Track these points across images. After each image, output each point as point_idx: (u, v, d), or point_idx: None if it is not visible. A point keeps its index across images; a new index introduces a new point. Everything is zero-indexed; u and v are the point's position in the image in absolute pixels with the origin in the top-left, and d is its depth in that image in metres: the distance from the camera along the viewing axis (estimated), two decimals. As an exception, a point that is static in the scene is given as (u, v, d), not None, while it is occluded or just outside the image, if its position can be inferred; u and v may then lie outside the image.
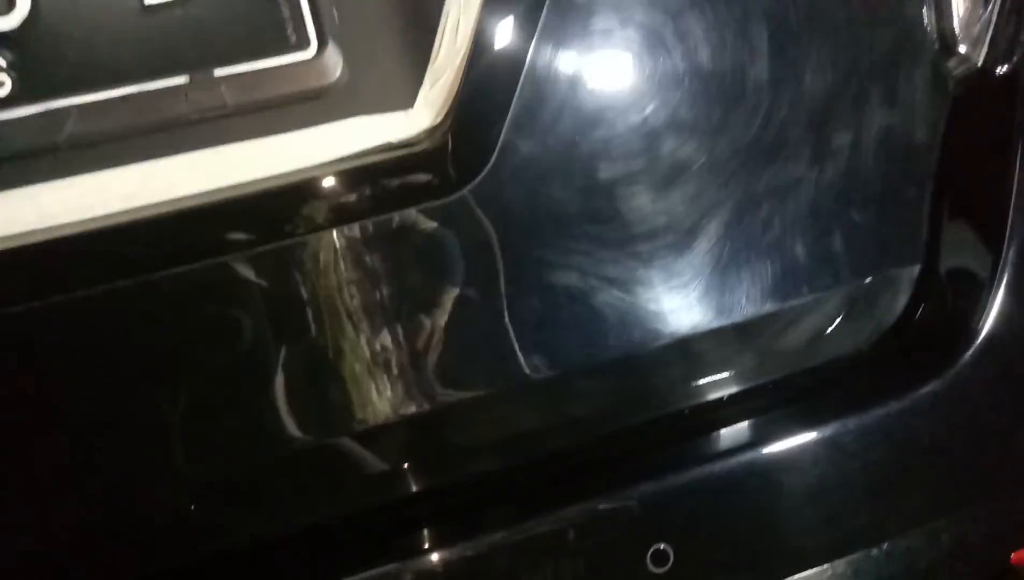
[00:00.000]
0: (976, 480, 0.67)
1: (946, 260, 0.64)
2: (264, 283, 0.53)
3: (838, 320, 0.64)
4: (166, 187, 0.52)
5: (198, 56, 0.52)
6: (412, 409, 0.57)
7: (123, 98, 0.51)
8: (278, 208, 0.53)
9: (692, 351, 0.60)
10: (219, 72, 0.52)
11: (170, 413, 0.53)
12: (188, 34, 0.52)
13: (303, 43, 0.53)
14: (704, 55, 0.58)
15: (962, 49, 0.66)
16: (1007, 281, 0.62)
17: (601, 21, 0.56)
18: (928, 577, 0.67)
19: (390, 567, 0.57)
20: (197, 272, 0.53)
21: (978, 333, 0.62)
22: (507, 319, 0.56)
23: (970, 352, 0.61)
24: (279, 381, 0.54)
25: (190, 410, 0.53)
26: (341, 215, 0.54)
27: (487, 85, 0.54)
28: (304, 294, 0.54)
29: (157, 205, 0.52)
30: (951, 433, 0.62)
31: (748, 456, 0.61)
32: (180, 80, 0.52)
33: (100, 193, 0.51)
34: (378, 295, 0.55)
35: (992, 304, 0.61)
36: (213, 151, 0.53)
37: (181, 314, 0.53)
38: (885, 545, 0.66)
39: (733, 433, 0.62)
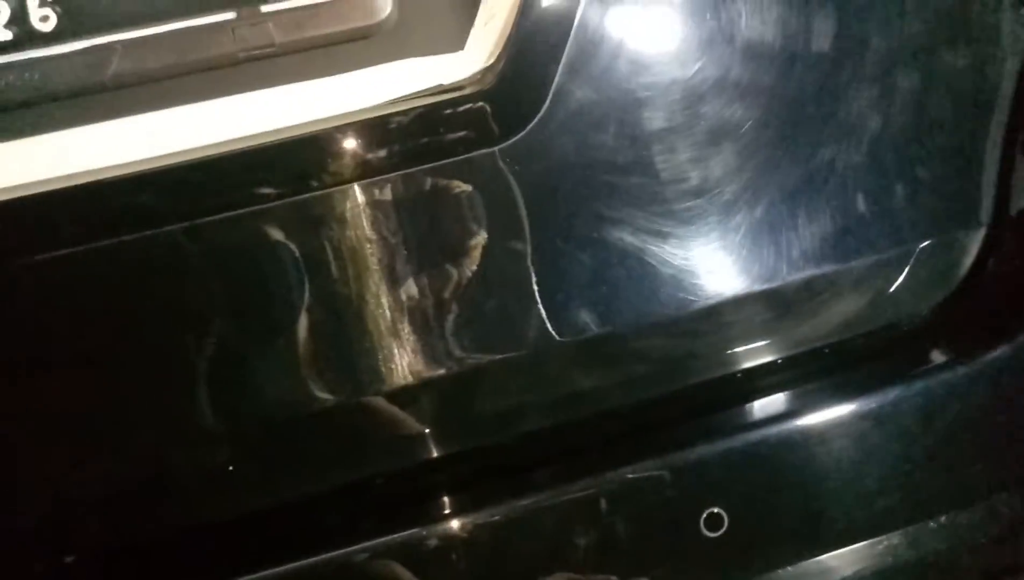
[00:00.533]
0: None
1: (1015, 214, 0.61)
2: (309, 232, 0.51)
3: (900, 280, 0.61)
4: (211, 130, 0.51)
5: (246, -8, 0.50)
6: (454, 368, 0.55)
7: (169, 34, 0.50)
8: (325, 153, 0.52)
9: (747, 310, 0.58)
10: (267, 8, 0.50)
11: (206, 364, 0.52)
12: (235, -31, 0.51)
13: (352, -21, 0.51)
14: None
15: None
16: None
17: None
18: (987, 552, 0.64)
19: (418, 531, 0.55)
20: (240, 219, 0.51)
21: None
22: (556, 271, 0.54)
23: None
24: (310, 335, 0.52)
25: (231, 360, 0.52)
26: (390, 161, 0.52)
27: (540, 26, 0.52)
28: (351, 242, 0.52)
29: (202, 148, 0.50)
30: (1019, 400, 0.59)
31: (804, 422, 0.58)
32: (227, 16, 0.50)
33: (146, 135, 0.50)
34: (428, 244, 0.53)
35: None
36: (260, 93, 0.51)
37: (229, 260, 0.52)
38: (943, 518, 0.64)
39: (788, 398, 0.60)
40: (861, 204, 0.59)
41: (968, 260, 0.61)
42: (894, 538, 0.63)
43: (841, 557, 0.60)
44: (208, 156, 0.50)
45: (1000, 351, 0.57)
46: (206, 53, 0.50)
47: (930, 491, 0.62)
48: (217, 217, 0.51)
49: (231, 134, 0.51)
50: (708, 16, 0.55)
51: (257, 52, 0.51)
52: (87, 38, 0.49)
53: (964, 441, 0.61)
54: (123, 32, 0.49)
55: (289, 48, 0.51)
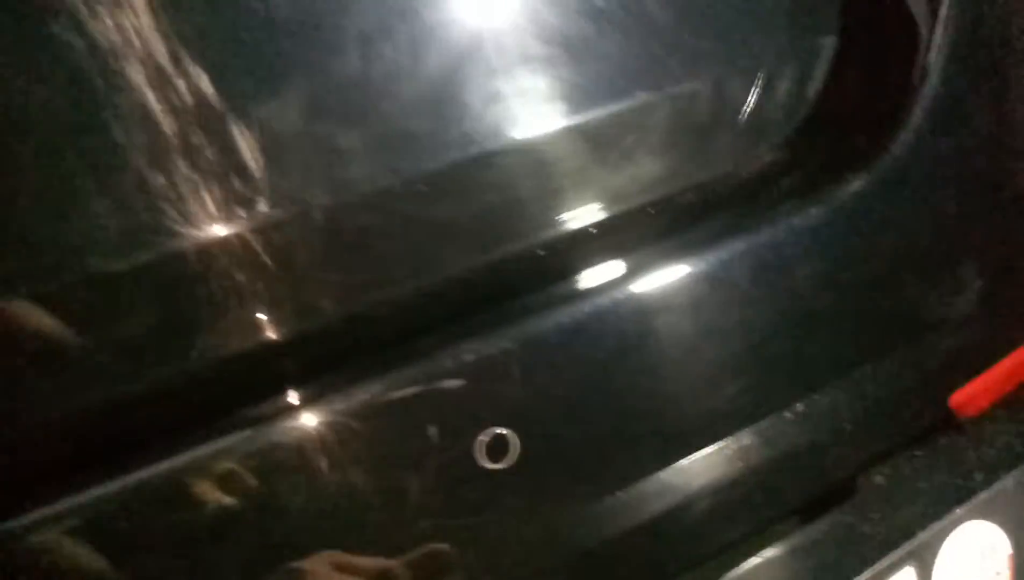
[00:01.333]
0: (907, 314, 0.52)
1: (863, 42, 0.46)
2: None
3: (745, 110, 0.46)
4: None
5: None
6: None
7: None
8: None
9: (543, 157, 0.41)
10: None
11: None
12: None
13: None
14: None
15: None
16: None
17: None
18: (853, 437, 0.52)
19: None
20: None
21: (909, 116, 0.44)
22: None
23: (901, 138, 0.44)
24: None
25: None
26: None
27: None
28: None
29: None
30: (876, 249, 0.45)
31: (620, 294, 0.42)
32: None
33: None
34: None
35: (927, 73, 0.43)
36: None
37: None
38: (800, 405, 0.50)
39: (605, 270, 0.44)
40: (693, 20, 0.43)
41: (815, 83, 0.46)
42: (744, 437, 0.49)
43: (680, 471, 0.46)
44: None
45: (854, 185, 0.43)
46: None
47: (783, 372, 0.48)
48: None
49: None
50: None
51: None
52: None
53: (816, 307, 0.47)
54: None
55: None
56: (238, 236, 0.36)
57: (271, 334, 0.39)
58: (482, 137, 0.40)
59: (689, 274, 0.44)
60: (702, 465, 0.48)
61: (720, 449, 0.49)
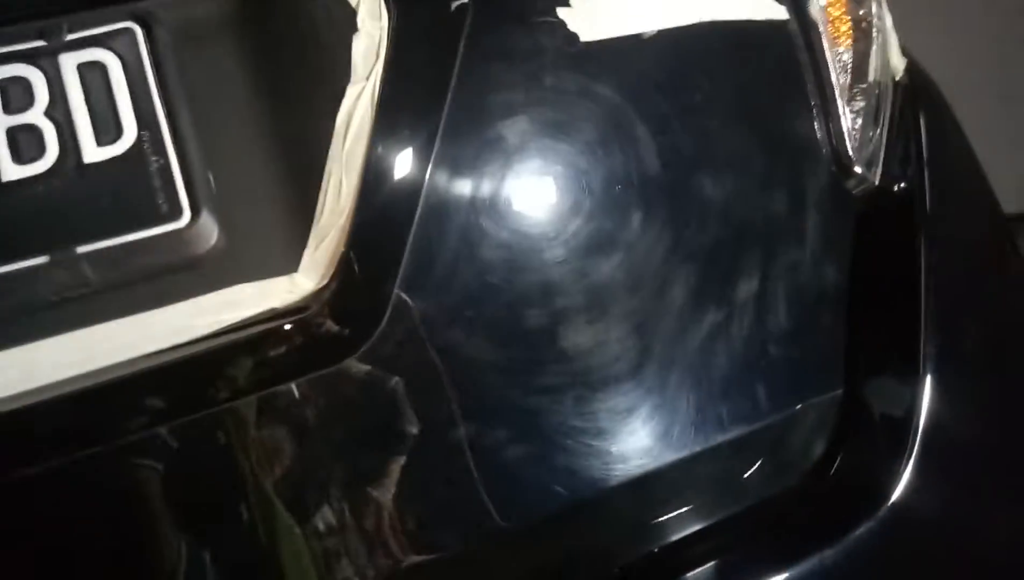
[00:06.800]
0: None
1: (866, 392, 0.62)
2: (143, 473, 0.48)
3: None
4: (28, 376, 0.48)
5: (59, 233, 0.49)
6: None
7: (-27, 284, 0.47)
8: (155, 390, 0.49)
9: (610, 502, 0.57)
10: (82, 249, 0.49)
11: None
12: (48, 210, 0.49)
13: (175, 213, 0.50)
14: (601, 197, 0.57)
15: (858, 169, 0.67)
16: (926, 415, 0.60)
17: (487, 173, 0.55)
18: None
19: None
20: (71, 464, 0.48)
21: (892, 488, 0.59)
22: (410, 486, 0.52)
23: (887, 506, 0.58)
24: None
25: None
26: (224, 392, 0.50)
27: (374, 244, 0.52)
28: (188, 479, 0.49)
29: (19, 396, 0.47)
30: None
31: None
32: (38, 260, 0.48)
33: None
34: (264, 474, 0.50)
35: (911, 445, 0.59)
36: (81, 333, 0.49)
37: (53, 510, 0.48)
38: None
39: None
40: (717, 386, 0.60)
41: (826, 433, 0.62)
42: None
43: None
44: (22, 405, 0.47)
45: (864, 528, 0.57)
46: (17, 299, 0.48)
47: None
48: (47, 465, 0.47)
49: (55, 377, 0.48)
50: (540, 228, 0.55)
51: (73, 293, 0.49)
52: None
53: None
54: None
55: (109, 286, 0.49)
56: None
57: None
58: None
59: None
60: None
61: None
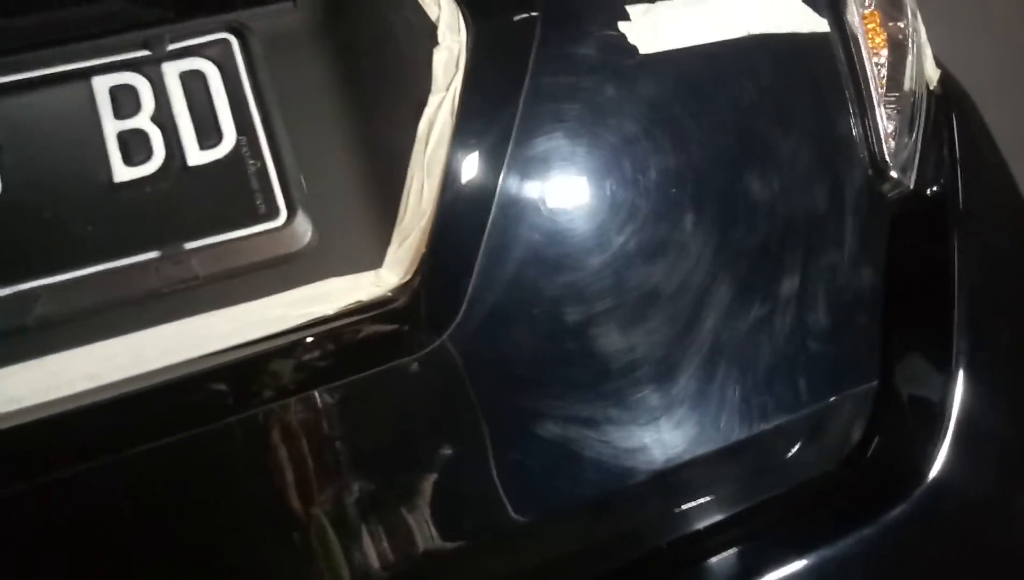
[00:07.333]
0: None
1: (900, 384, 0.67)
2: (244, 453, 0.53)
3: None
4: (137, 361, 0.52)
5: (168, 231, 0.53)
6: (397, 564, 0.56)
7: (93, 276, 0.52)
8: (254, 375, 0.53)
9: (665, 485, 0.61)
10: (189, 245, 0.53)
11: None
12: (157, 209, 0.53)
13: (273, 213, 0.55)
14: (658, 200, 0.61)
15: (894, 174, 0.71)
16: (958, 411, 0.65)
17: (555, 177, 0.59)
18: None
19: None
20: (176, 445, 0.52)
21: (927, 471, 0.63)
22: (489, 467, 0.57)
23: (919, 491, 0.63)
24: (258, 551, 0.53)
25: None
26: (317, 378, 0.54)
27: (453, 243, 0.56)
28: (284, 460, 0.53)
29: (130, 381, 0.52)
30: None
31: None
32: (150, 255, 0.53)
33: (69, 372, 0.51)
34: (356, 454, 0.55)
35: (944, 434, 0.63)
36: (186, 322, 0.53)
37: (163, 490, 0.52)
38: None
39: (708, 568, 0.63)
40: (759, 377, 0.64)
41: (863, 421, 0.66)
42: None
43: None
44: (135, 388, 0.51)
45: (900, 509, 0.61)
46: (130, 291, 0.52)
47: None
48: (151, 445, 0.52)
49: (158, 364, 0.52)
50: (600, 224, 0.60)
51: (181, 286, 0.53)
52: (11, 285, 0.50)
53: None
54: (47, 277, 0.51)
55: (213, 279, 0.53)
56: None
57: None
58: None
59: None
60: None
61: None
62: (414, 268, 0.55)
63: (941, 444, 0.63)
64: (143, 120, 0.54)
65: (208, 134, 0.55)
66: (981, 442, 0.64)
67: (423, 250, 0.55)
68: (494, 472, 0.57)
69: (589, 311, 0.60)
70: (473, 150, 0.57)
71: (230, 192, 0.54)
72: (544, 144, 0.59)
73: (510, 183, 0.57)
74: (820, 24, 0.70)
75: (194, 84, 0.55)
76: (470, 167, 0.57)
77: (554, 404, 0.59)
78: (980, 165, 0.75)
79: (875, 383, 0.67)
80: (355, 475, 0.54)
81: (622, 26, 0.62)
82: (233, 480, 0.53)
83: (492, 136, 0.57)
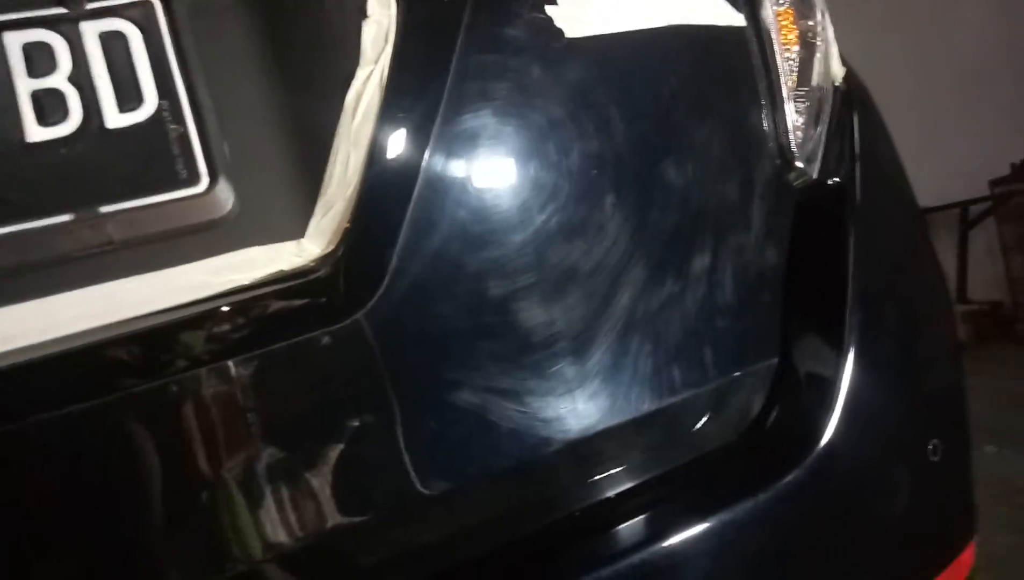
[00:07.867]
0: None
1: (798, 360, 0.72)
2: (156, 421, 0.53)
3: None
4: (51, 325, 0.51)
5: (84, 193, 0.52)
6: (312, 533, 0.57)
7: (3, 237, 0.51)
8: (171, 343, 0.53)
9: (578, 454, 0.64)
10: (105, 209, 0.52)
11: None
12: (73, 171, 0.52)
13: (194, 179, 0.54)
14: (577, 180, 0.64)
15: (800, 164, 0.75)
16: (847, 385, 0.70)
17: (481, 154, 0.60)
18: None
19: None
20: (90, 412, 0.52)
21: (819, 440, 0.68)
22: (408, 437, 0.58)
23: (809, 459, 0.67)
24: (170, 519, 0.53)
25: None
26: (236, 347, 0.54)
27: (377, 215, 0.57)
28: (198, 428, 0.54)
29: (42, 345, 0.51)
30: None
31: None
32: (64, 218, 0.52)
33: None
34: (273, 423, 0.55)
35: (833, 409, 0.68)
36: (102, 286, 0.53)
37: (74, 457, 0.52)
38: None
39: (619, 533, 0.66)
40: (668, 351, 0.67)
41: (763, 394, 0.70)
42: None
43: None
44: (44, 354, 0.51)
45: (794, 474, 0.66)
46: (43, 254, 0.51)
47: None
48: (59, 412, 0.51)
49: (71, 329, 0.52)
50: (524, 199, 0.62)
51: (96, 250, 0.52)
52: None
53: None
54: (-46, 236, 0.49)
55: (129, 245, 0.53)
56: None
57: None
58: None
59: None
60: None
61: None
62: (337, 239, 0.56)
63: (832, 416, 0.68)
64: (59, 80, 0.53)
65: (128, 97, 0.54)
66: (868, 414, 0.70)
67: (346, 222, 0.56)
68: (413, 442, 0.58)
69: (510, 286, 0.62)
70: (400, 124, 0.58)
71: (150, 156, 0.54)
72: (471, 121, 0.60)
73: (436, 159, 0.59)
74: (737, 18, 0.73)
75: (114, 45, 0.54)
76: (396, 141, 0.58)
77: (473, 375, 0.60)
78: (876, 158, 0.81)
79: (775, 360, 0.72)
80: (272, 445, 0.54)
81: (549, 9, 0.63)
82: (148, 447, 0.53)
83: (419, 111, 0.58)
